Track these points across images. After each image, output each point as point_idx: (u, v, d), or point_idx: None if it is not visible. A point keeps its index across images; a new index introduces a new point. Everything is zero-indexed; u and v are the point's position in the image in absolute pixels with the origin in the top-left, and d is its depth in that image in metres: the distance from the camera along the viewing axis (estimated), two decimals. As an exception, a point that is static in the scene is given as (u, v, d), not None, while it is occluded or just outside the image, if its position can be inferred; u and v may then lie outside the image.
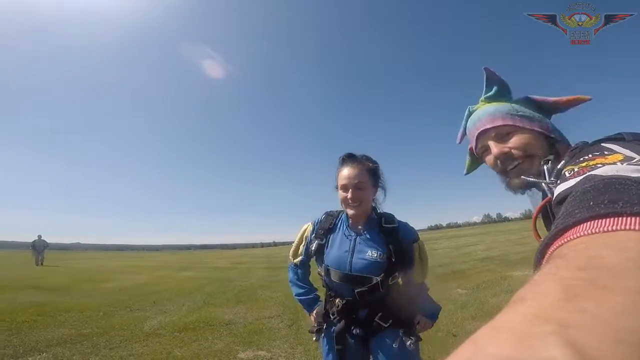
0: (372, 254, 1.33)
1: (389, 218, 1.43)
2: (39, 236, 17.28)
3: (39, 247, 16.65)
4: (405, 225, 1.44)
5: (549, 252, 0.32)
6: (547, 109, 0.81)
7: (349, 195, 1.35)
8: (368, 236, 1.38)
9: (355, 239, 1.39)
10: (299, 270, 1.57)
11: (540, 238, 0.66)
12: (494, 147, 0.77)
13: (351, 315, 1.37)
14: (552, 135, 0.75)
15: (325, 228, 1.46)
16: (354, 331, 1.36)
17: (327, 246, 1.43)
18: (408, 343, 1.31)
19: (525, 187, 0.76)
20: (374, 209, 1.46)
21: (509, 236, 19.93)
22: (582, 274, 0.20)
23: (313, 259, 1.54)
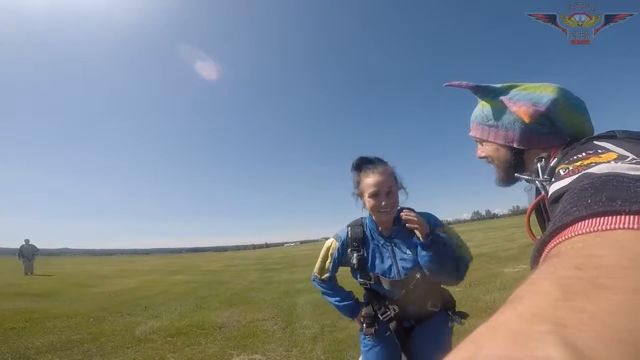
0: (410, 253, 1.36)
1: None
2: (27, 241, 14.76)
3: (27, 254, 14.23)
4: (426, 214, 1.43)
5: (547, 250, 0.31)
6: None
7: (383, 202, 1.33)
8: (401, 238, 1.40)
9: (391, 245, 1.40)
10: (328, 284, 1.58)
11: (534, 235, 0.67)
12: (477, 149, 0.88)
13: (404, 312, 1.44)
14: (515, 146, 0.75)
15: (359, 239, 1.43)
16: (406, 324, 1.45)
17: (369, 257, 1.41)
18: (460, 320, 1.44)
19: (504, 183, 0.84)
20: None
21: (498, 233, 20.19)
22: (580, 273, 0.20)
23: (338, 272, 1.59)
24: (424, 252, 1.27)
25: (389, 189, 1.34)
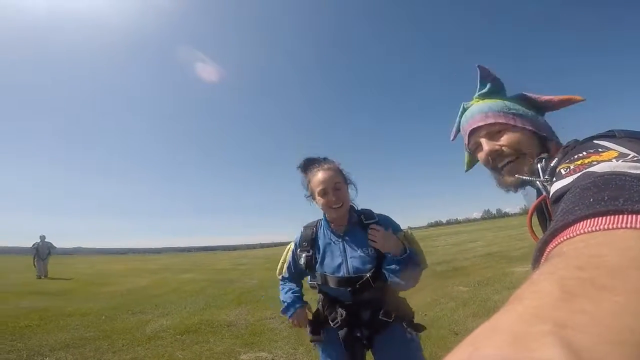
0: (362, 251, 1.35)
1: (368, 214, 1.44)
2: (42, 237, 12.71)
3: (42, 252, 12.29)
4: (386, 217, 1.45)
5: (548, 250, 0.31)
6: (539, 107, 0.80)
7: (332, 198, 1.36)
8: (354, 236, 1.40)
9: (342, 243, 1.40)
10: (286, 282, 1.58)
11: (536, 236, 0.66)
12: (486, 145, 0.78)
13: (355, 319, 1.37)
14: (543, 134, 0.75)
15: (308, 239, 1.46)
16: (357, 334, 1.36)
17: (318, 256, 1.42)
18: (414, 334, 1.35)
19: (517, 185, 0.77)
20: (352, 207, 1.47)
21: (509, 232, 19.90)
22: (581, 273, 0.19)
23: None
24: (393, 266, 1.26)
25: (335, 185, 1.37)
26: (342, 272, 1.34)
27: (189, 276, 11.93)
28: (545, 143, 0.74)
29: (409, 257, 1.28)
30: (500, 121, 0.76)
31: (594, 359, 0.12)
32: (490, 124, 0.78)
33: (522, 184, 0.76)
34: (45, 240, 12.81)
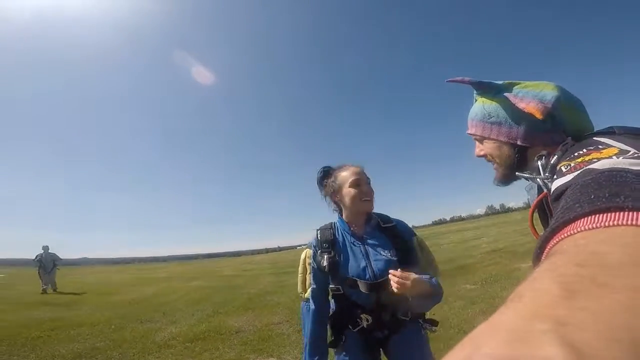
0: (385, 253, 1.32)
1: (385, 218, 1.44)
2: (46, 248, 11.39)
3: (47, 265, 11.04)
4: (401, 222, 1.45)
5: (549, 247, 0.31)
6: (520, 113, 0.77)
7: (364, 189, 1.35)
8: (374, 239, 1.37)
9: (364, 245, 1.36)
10: (313, 306, 1.42)
11: (537, 233, 0.67)
12: (475, 148, 0.87)
13: (376, 322, 1.35)
14: (520, 144, 0.75)
15: (328, 241, 1.39)
16: (377, 335, 1.35)
17: (340, 259, 1.36)
18: (432, 328, 1.37)
19: (502, 182, 0.83)
20: None
21: (514, 227, 19.71)
22: (582, 270, 0.19)
23: None
24: (419, 303, 1.22)
25: (368, 180, 1.39)
26: (368, 276, 1.30)
27: (196, 284, 11.98)
28: (524, 152, 0.75)
29: (438, 298, 1.24)
30: (477, 133, 0.83)
31: (594, 356, 0.12)
32: (472, 133, 0.85)
33: (505, 182, 0.83)
34: (49, 251, 11.51)
